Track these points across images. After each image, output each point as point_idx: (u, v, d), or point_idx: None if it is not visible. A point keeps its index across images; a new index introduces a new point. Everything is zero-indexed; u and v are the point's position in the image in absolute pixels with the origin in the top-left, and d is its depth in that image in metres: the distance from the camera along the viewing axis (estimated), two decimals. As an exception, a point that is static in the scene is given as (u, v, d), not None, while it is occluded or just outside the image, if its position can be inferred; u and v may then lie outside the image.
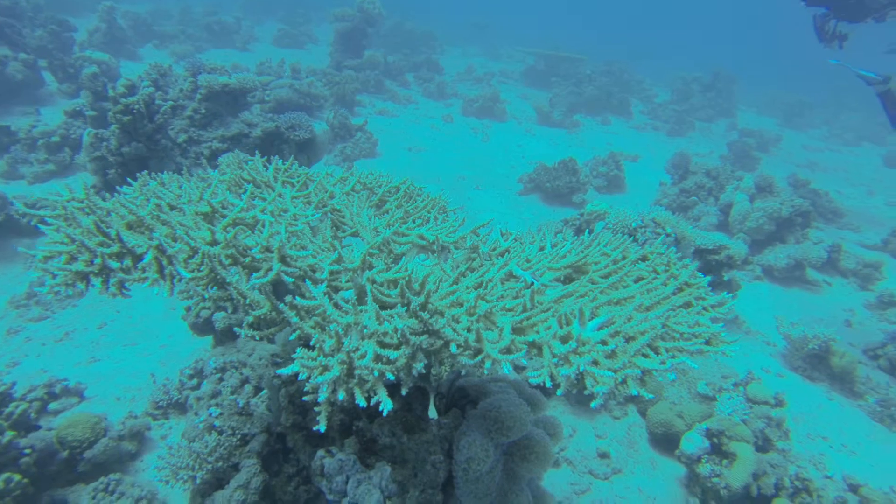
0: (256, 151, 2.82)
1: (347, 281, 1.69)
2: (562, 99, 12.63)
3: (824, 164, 12.40)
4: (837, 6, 5.68)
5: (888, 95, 7.32)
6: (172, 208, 1.97)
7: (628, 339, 1.42)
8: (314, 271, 1.71)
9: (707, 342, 1.49)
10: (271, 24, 17.46)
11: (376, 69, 11.22)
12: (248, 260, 1.61)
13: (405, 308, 1.59)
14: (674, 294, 1.83)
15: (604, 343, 1.43)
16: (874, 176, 11.75)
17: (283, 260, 1.63)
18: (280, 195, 2.29)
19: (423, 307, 1.73)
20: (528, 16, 27.77)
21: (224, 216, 2.02)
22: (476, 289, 1.91)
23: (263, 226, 1.88)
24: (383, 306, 1.63)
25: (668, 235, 4.39)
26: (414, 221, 2.76)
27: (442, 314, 1.76)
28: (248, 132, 5.60)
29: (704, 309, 1.72)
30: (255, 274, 1.56)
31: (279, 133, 5.66)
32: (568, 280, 2.14)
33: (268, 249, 1.63)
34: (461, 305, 1.71)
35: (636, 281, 2.02)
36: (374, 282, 1.69)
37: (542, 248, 2.43)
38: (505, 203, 7.18)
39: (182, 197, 2.10)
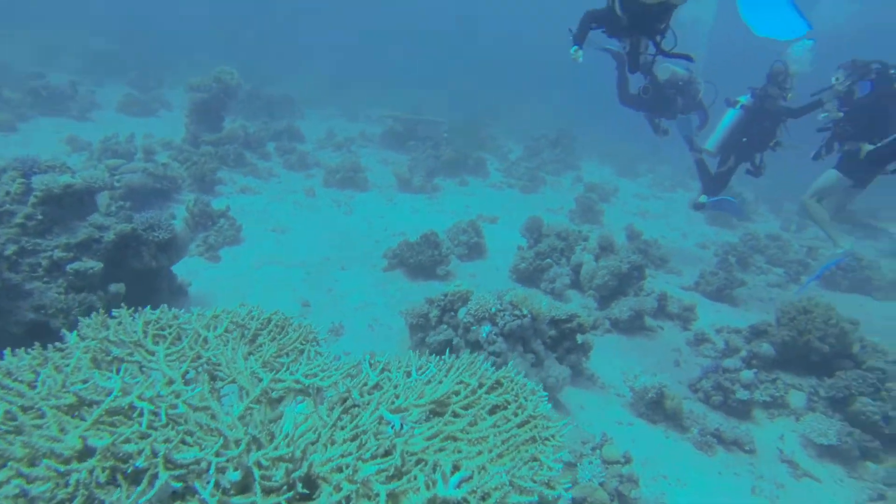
0: (123, 304, 2.79)
1: (235, 468, 1.81)
2: (420, 163, 13.37)
3: (652, 211, 14.46)
4: (648, 110, 7.09)
5: (701, 164, 9.22)
6: (27, 411, 1.91)
7: (484, 497, 1.73)
8: (199, 463, 1.80)
9: (548, 484, 1.85)
10: (116, 88, 16.32)
11: (236, 142, 11.06)
12: (129, 470, 1.67)
13: (292, 492, 1.75)
14: (520, 426, 2.21)
15: (465, 502, 1.73)
16: (685, 220, 13.95)
17: (167, 463, 1.71)
18: (153, 377, 2.32)
19: (306, 477, 1.92)
20: (385, 72, 29.05)
21: (94, 403, 2.02)
22: (353, 441, 2.13)
23: (141, 415, 1.93)
24: (270, 491, 1.78)
25: (524, 316, 4.95)
26: (288, 355, 2.93)
27: (326, 480, 1.95)
28: (99, 237, 5.27)
29: (545, 441, 2.10)
30: (138, 488, 1.63)
31: (136, 235, 5.41)
32: (434, 413, 2.44)
33: (153, 454, 1.70)
34: (341, 471, 1.92)
35: (492, 412, 2.38)
36: (260, 465, 1.83)
37: (408, 374, 2.73)
38: (371, 281, 7.42)
39: (38, 388, 2.03)
